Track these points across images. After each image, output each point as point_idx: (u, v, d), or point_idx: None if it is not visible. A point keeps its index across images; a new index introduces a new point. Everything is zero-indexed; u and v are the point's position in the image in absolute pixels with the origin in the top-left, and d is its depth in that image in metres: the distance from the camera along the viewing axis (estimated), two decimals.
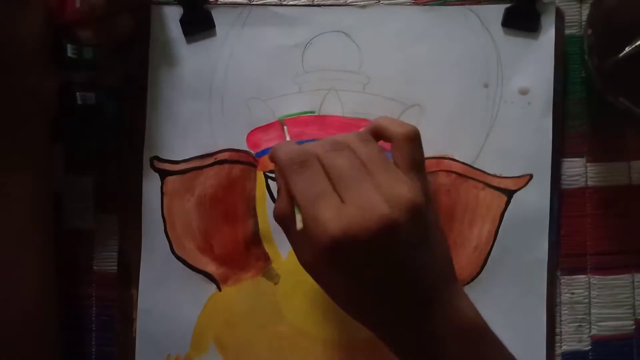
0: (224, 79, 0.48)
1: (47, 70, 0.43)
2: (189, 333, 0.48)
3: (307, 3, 0.48)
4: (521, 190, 0.47)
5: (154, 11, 0.48)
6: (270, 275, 0.48)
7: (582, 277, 0.48)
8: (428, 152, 0.47)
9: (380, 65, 0.48)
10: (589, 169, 0.48)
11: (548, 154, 0.47)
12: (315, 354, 0.48)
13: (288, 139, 0.47)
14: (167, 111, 0.48)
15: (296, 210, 0.38)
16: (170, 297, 0.48)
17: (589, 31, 0.44)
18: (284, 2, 0.48)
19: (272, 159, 0.40)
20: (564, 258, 0.48)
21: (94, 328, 0.49)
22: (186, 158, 0.48)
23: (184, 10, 0.48)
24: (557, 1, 0.48)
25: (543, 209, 0.47)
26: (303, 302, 0.48)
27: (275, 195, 0.48)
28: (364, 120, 0.48)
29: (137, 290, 0.48)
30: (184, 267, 0.48)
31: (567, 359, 0.48)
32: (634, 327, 0.48)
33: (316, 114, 0.48)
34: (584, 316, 0.48)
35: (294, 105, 0.48)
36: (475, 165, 0.48)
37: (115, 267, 0.49)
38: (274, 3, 0.48)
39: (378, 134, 0.41)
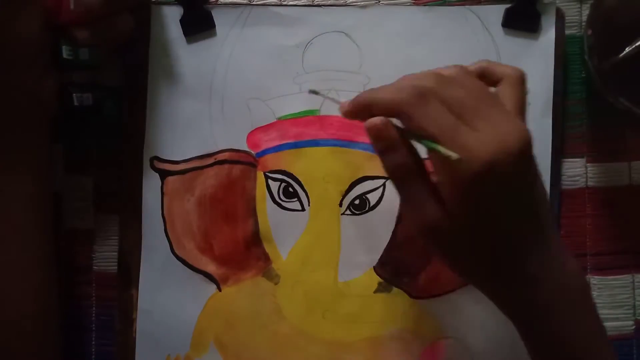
0: (224, 79, 0.48)
1: (46, 70, 0.43)
2: (189, 333, 0.48)
3: (307, 3, 0.48)
4: None
5: (154, 11, 0.48)
6: (270, 275, 0.48)
7: None
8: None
9: (381, 66, 0.48)
10: (589, 169, 0.48)
11: (548, 155, 0.47)
12: (315, 354, 0.48)
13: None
14: (167, 111, 0.48)
15: (430, 145, 0.35)
16: (170, 297, 0.48)
17: (589, 31, 0.44)
18: (284, 2, 0.48)
19: (367, 105, 0.38)
20: None
21: (94, 328, 0.49)
22: (186, 158, 0.48)
23: (184, 10, 0.48)
24: (557, 1, 0.48)
25: None
26: (303, 302, 0.48)
27: (275, 195, 0.48)
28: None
29: (137, 290, 0.48)
30: (184, 267, 0.48)
31: None
32: (634, 327, 0.48)
33: (316, 114, 0.48)
34: None
35: (294, 106, 0.48)
36: None
37: (115, 267, 0.49)
38: (274, 3, 0.48)
39: (484, 74, 0.40)
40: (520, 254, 0.37)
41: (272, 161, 0.48)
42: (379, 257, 0.48)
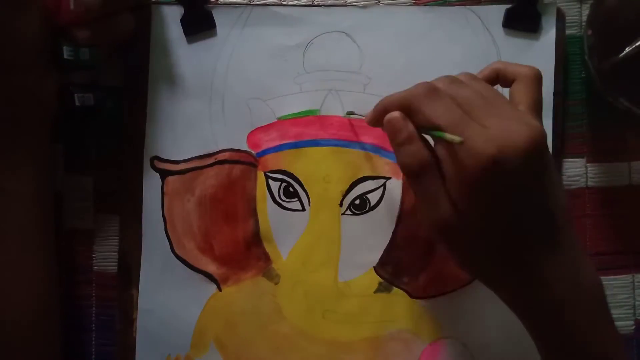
0: (225, 79, 0.48)
1: (46, 70, 0.43)
2: (189, 333, 0.48)
3: (307, 3, 0.48)
4: None
5: (155, 11, 0.48)
6: (270, 275, 0.48)
7: None
8: None
9: (381, 66, 0.48)
10: (589, 169, 0.48)
11: None
12: (315, 354, 0.48)
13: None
14: (167, 111, 0.48)
15: (436, 134, 0.36)
16: (170, 297, 0.48)
17: (589, 31, 0.44)
18: (285, 2, 0.48)
19: (385, 108, 0.40)
20: None
21: (94, 328, 0.49)
22: (186, 158, 0.48)
23: (184, 10, 0.48)
24: (557, 2, 0.48)
25: None
26: (303, 302, 0.48)
27: (275, 195, 0.48)
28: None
29: (137, 290, 0.48)
30: (184, 267, 0.48)
31: None
32: (634, 327, 0.48)
33: (317, 114, 0.48)
34: None
35: (295, 105, 0.48)
36: None
37: (115, 267, 0.49)
38: (274, 3, 0.48)
39: (497, 76, 0.41)
40: (532, 254, 0.37)
41: (273, 161, 0.48)
42: (379, 257, 0.48)
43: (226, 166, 0.48)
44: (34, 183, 0.44)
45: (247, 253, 0.48)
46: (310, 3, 0.48)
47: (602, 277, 0.47)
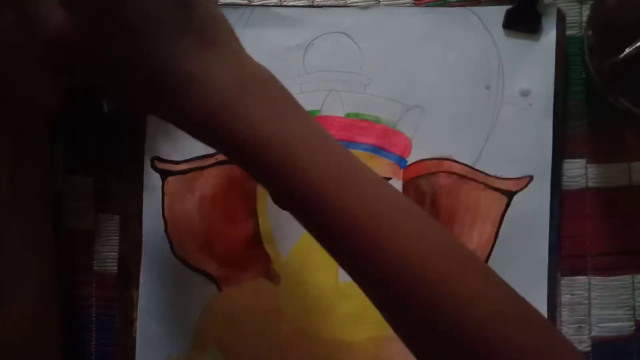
0: None
1: (47, 71, 0.43)
2: (190, 333, 0.48)
3: (307, 4, 0.49)
4: (521, 192, 0.47)
5: None
6: (271, 275, 0.48)
7: (582, 278, 0.48)
8: (429, 153, 0.48)
9: (382, 67, 0.48)
10: (589, 170, 0.48)
11: (549, 156, 0.47)
12: (315, 355, 0.48)
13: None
14: None
15: None
16: (170, 297, 0.48)
17: (589, 32, 0.44)
18: (284, 3, 0.49)
19: None
20: (564, 259, 0.48)
21: (93, 328, 0.49)
22: (187, 158, 0.48)
23: None
24: (557, 2, 0.48)
25: (543, 210, 0.47)
26: (304, 302, 0.48)
27: None
28: (365, 121, 0.48)
29: (138, 290, 0.48)
30: (185, 267, 0.48)
31: None
32: (634, 328, 0.48)
33: (317, 114, 0.48)
34: (584, 317, 0.48)
35: None
36: (476, 167, 0.48)
37: (115, 267, 0.49)
38: (274, 4, 0.48)
39: None
40: (176, 46, 0.33)
41: None
42: None
43: (227, 167, 0.48)
44: (35, 184, 0.44)
45: (248, 253, 0.48)
46: (311, 4, 0.49)
47: (602, 278, 0.48)
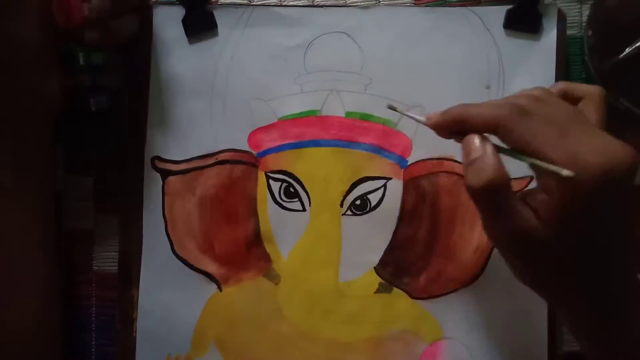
0: (226, 79, 0.48)
1: (48, 71, 0.43)
2: (190, 333, 0.48)
3: (306, 4, 0.49)
4: (521, 192, 0.47)
5: (156, 12, 0.48)
6: (271, 275, 0.48)
7: None
8: (430, 153, 0.48)
9: (382, 66, 0.48)
10: None
11: None
12: (315, 355, 0.48)
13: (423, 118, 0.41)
14: (168, 111, 0.48)
15: (532, 162, 0.35)
16: (171, 297, 0.48)
17: (589, 32, 0.44)
18: (284, 3, 0.49)
19: (461, 119, 0.37)
20: None
21: (93, 328, 0.49)
22: (187, 158, 0.48)
23: (186, 11, 0.48)
24: (557, 2, 0.48)
25: None
26: (304, 302, 0.48)
27: (276, 196, 0.48)
28: (366, 121, 0.48)
29: (138, 289, 0.48)
30: (185, 267, 0.48)
31: None
32: None
33: (318, 114, 0.48)
34: None
35: (296, 106, 0.48)
36: None
37: (115, 267, 0.49)
38: (275, 4, 0.48)
39: (566, 94, 0.40)
40: (606, 271, 0.37)
41: (273, 161, 0.48)
42: (379, 257, 0.48)
43: (227, 166, 0.48)
44: (37, 183, 0.44)
45: (248, 253, 0.48)
46: (311, 3, 0.49)
47: None
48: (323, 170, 0.48)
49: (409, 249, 0.48)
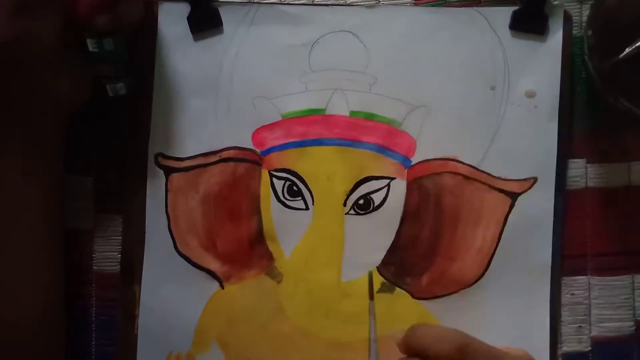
0: (231, 76, 0.48)
1: (62, 70, 0.43)
2: (191, 331, 0.48)
3: (308, 2, 0.49)
4: (526, 194, 0.48)
5: (162, 8, 0.48)
6: (273, 273, 0.48)
7: (582, 278, 0.48)
8: (434, 153, 0.48)
9: (387, 66, 0.48)
10: (589, 170, 0.48)
11: (553, 158, 0.47)
12: (317, 354, 0.48)
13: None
14: (172, 108, 0.48)
15: None
16: (172, 294, 0.48)
17: (589, 32, 0.44)
18: (288, 1, 0.49)
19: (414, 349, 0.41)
20: (564, 259, 0.48)
21: (93, 328, 0.49)
22: (191, 155, 0.48)
23: (191, 8, 0.48)
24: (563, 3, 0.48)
25: (547, 212, 0.47)
26: (306, 301, 0.48)
27: (279, 194, 0.48)
28: (370, 120, 0.48)
29: (140, 286, 0.48)
30: (187, 264, 0.48)
31: None
32: (634, 328, 0.48)
33: (322, 113, 0.48)
34: (584, 317, 0.48)
35: (300, 104, 0.48)
36: (481, 168, 0.48)
37: (116, 267, 0.49)
38: (279, 2, 0.49)
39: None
40: None
41: (277, 160, 0.48)
42: (382, 257, 0.48)
43: (231, 164, 0.48)
44: (47, 183, 0.44)
45: (250, 251, 0.48)
46: (310, 2, 0.49)
47: (602, 278, 0.48)
48: (326, 169, 0.48)
49: (412, 249, 0.48)
